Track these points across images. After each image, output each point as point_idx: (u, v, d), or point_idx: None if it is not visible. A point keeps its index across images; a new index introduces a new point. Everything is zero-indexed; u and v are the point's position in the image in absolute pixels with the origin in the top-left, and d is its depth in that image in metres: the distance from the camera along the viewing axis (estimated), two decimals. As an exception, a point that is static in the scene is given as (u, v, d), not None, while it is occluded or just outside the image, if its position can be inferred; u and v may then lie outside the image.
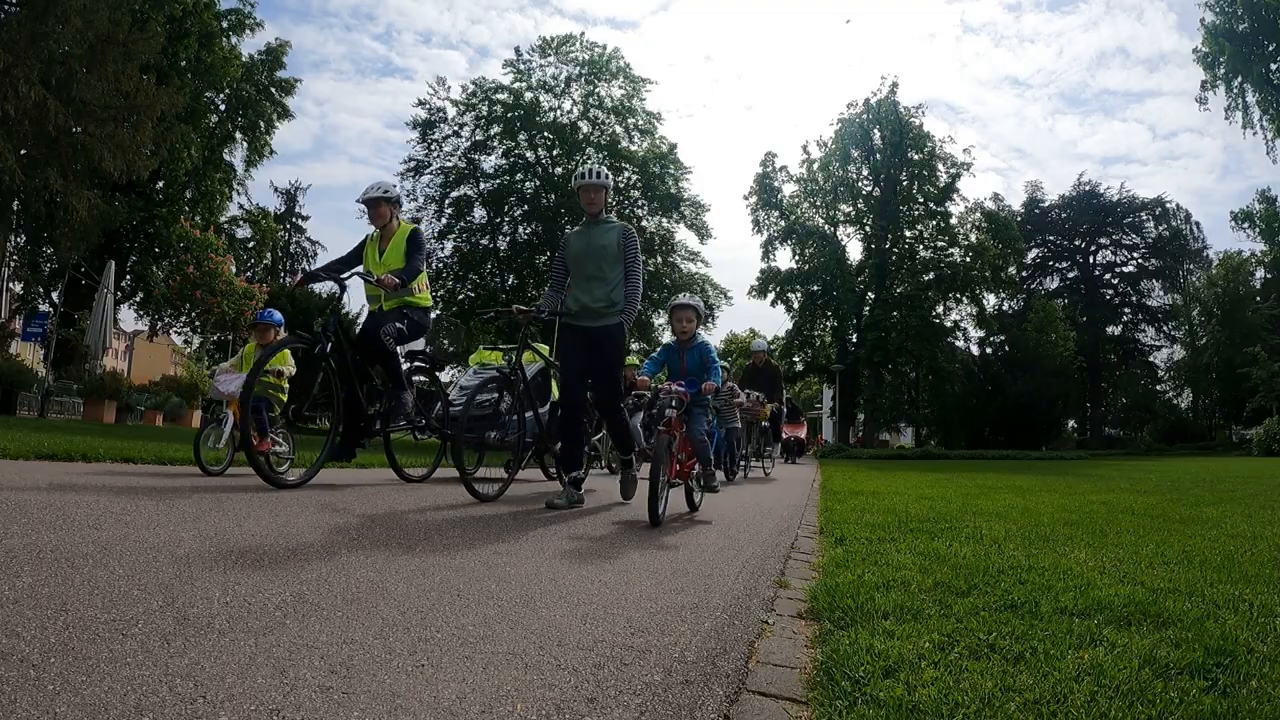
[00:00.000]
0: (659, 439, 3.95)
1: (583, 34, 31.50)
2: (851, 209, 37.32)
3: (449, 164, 30.14)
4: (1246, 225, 29.90)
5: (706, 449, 4.33)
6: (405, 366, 5.13)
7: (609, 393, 4.58)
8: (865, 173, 36.98)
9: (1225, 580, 2.50)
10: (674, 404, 4.06)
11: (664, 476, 3.87)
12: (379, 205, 5.08)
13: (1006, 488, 7.39)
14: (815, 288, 36.38)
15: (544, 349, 5.80)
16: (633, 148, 31.20)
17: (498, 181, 29.99)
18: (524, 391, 4.83)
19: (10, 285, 23.51)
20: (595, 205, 4.52)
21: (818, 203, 37.38)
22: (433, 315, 5.53)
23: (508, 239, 30.56)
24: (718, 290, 32.82)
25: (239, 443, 4.81)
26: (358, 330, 5.64)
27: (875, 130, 36.16)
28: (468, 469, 4.39)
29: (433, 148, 30.07)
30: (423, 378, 5.73)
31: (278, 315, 5.51)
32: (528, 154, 30.47)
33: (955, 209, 36.42)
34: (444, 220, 30.02)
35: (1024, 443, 31.68)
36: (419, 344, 5.42)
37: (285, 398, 5.24)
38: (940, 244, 36.39)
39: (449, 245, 30.04)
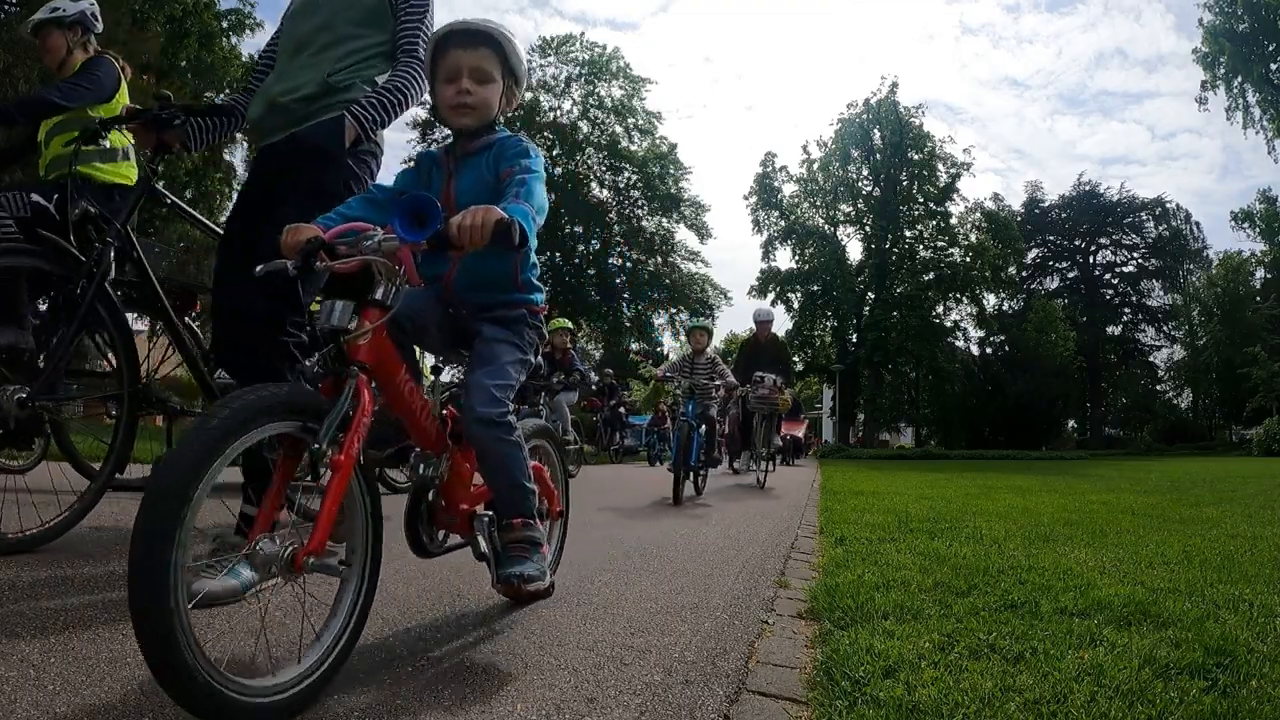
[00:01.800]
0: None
1: (583, 34, 31.69)
2: (851, 209, 37.28)
3: (449, 164, 30.24)
4: (1246, 225, 29.99)
5: (507, 428, 1.56)
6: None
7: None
8: (865, 173, 36.93)
9: (1225, 580, 2.50)
10: (381, 297, 1.36)
11: (278, 540, 1.26)
12: (48, 34, 3.09)
13: (1006, 488, 7.38)
14: (815, 288, 36.33)
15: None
16: (632, 148, 31.26)
17: (498, 181, 30.04)
18: (98, 295, 2.33)
19: (10, 285, 23.49)
20: None
21: (818, 203, 37.34)
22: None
23: (507, 239, 30.65)
24: (718, 290, 32.86)
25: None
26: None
27: (875, 130, 36.11)
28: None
29: (433, 147, 30.11)
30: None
31: None
32: (527, 153, 30.50)
33: (955, 209, 36.38)
34: (444, 220, 30.12)
35: (1024, 443, 31.61)
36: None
37: None
38: (940, 244, 36.35)
39: (449, 246, 30.10)
